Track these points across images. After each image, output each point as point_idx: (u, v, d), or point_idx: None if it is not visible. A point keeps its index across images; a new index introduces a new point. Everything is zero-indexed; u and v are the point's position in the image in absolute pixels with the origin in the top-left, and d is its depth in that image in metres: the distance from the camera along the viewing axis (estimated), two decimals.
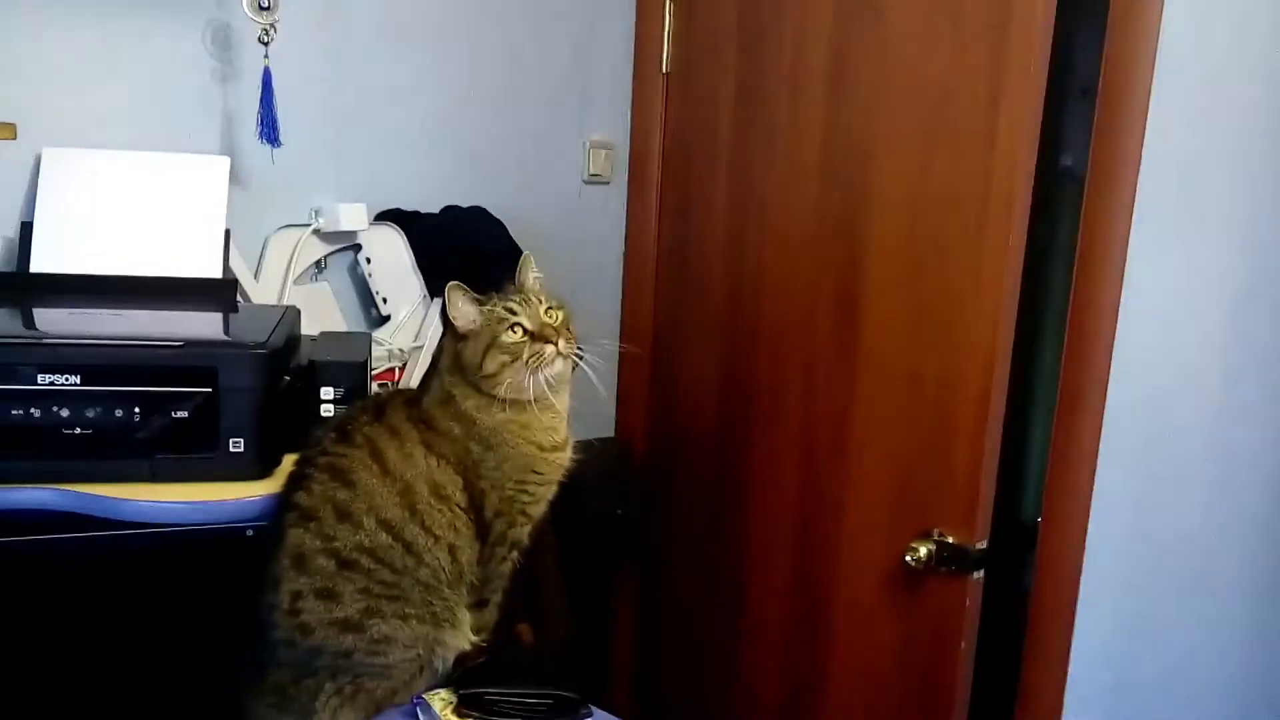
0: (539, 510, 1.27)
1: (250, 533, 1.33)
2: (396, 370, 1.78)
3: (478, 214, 1.92)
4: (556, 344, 1.22)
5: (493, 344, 1.22)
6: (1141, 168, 1.42)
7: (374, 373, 1.68)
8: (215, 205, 1.51)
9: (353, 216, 1.77)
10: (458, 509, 1.22)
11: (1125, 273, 1.44)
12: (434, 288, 1.84)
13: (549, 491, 1.27)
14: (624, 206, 2.19)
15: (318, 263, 1.80)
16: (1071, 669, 1.51)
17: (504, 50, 1.98)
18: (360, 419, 1.24)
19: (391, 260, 1.83)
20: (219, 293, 1.47)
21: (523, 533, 1.26)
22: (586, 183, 2.15)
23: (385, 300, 1.84)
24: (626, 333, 2.20)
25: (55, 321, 1.36)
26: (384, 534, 1.18)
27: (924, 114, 1.63)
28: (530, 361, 1.21)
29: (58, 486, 1.18)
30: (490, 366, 1.21)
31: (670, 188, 2.13)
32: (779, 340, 1.88)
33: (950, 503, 1.62)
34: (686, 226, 2.10)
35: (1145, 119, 1.40)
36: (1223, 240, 1.41)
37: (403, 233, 1.83)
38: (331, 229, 1.76)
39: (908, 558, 1.61)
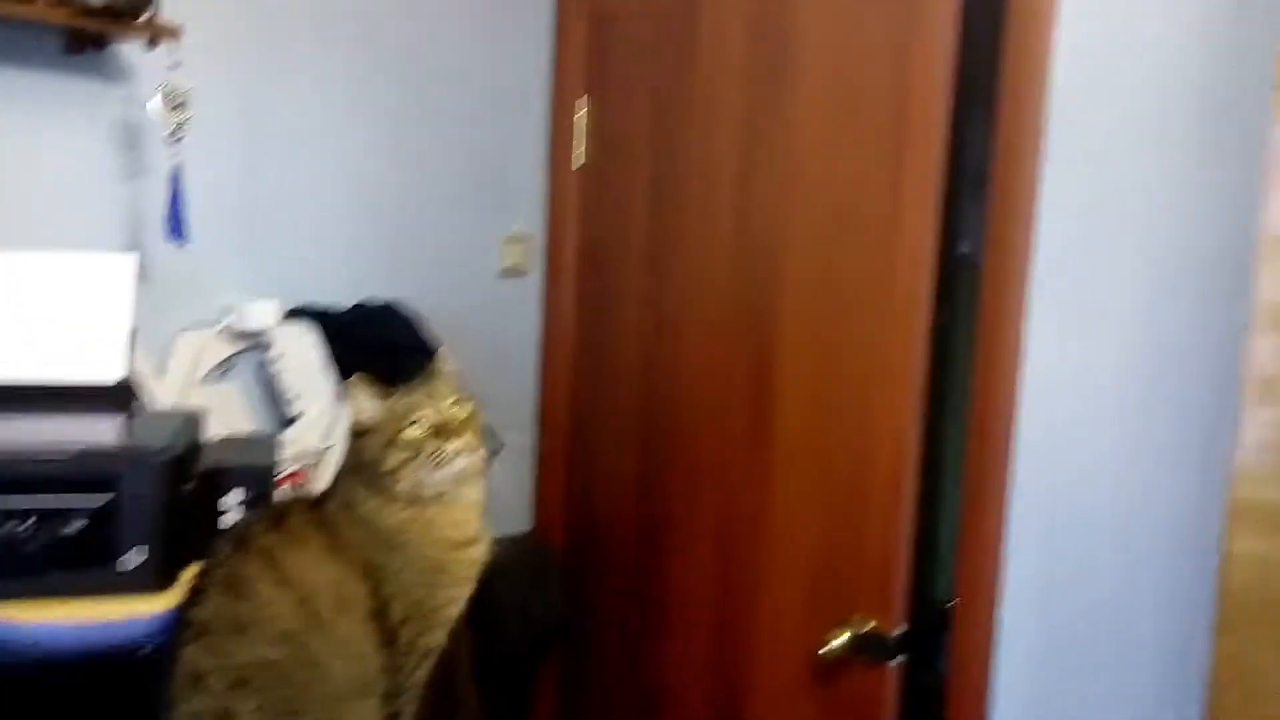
0: (452, 613, 1.23)
1: (145, 650, 1.28)
2: (305, 472, 1.74)
3: (392, 309, 1.91)
4: (460, 440, 1.21)
5: (393, 440, 1.20)
6: (1035, 256, 1.47)
7: (281, 475, 1.64)
8: (121, 305, 1.47)
9: (263, 314, 1.74)
10: (364, 617, 1.18)
11: (1022, 360, 1.48)
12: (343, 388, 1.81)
13: (462, 592, 1.24)
14: (541, 299, 2.20)
15: (226, 361, 1.77)
16: None
17: (419, 146, 2.00)
18: (259, 527, 1.20)
19: (302, 358, 1.81)
20: (118, 397, 1.43)
21: (435, 638, 1.22)
22: (502, 276, 2.16)
23: (294, 399, 1.80)
24: (544, 425, 2.20)
25: None
26: (283, 647, 1.14)
27: (830, 209, 1.68)
28: (432, 458, 1.19)
29: None
30: (390, 463, 1.19)
31: (587, 280, 2.15)
32: (695, 431, 1.89)
33: (867, 590, 1.63)
34: (603, 318, 2.11)
35: (1034, 207, 1.46)
36: (1120, 327, 1.46)
37: (315, 329, 1.81)
38: (241, 327, 1.73)
39: (825, 648, 1.61)
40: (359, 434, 1.22)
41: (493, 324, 2.14)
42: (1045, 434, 1.49)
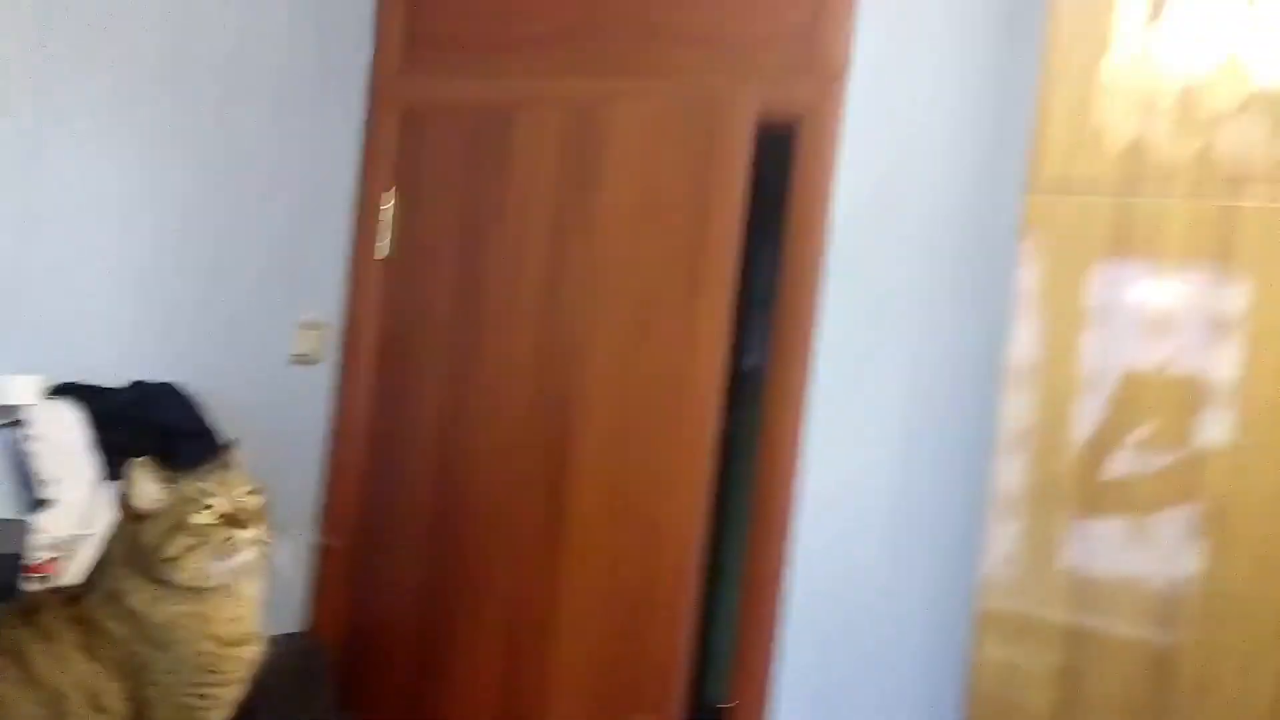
0: (218, 716, 1.16)
1: None
2: (56, 562, 1.60)
3: (169, 390, 1.81)
4: (252, 530, 1.16)
5: (179, 525, 1.13)
6: (813, 374, 1.58)
7: (29, 565, 1.51)
8: None
9: (21, 389, 1.62)
10: (119, 717, 1.09)
11: (801, 470, 1.58)
12: (115, 469, 1.70)
13: (231, 693, 1.16)
14: (332, 388, 2.15)
15: None
16: None
17: (215, 228, 1.94)
18: (7, 621, 1.10)
19: (62, 438, 1.68)
20: None
21: None
22: (293, 362, 2.09)
23: (50, 483, 1.67)
24: (329, 519, 2.12)
25: None
26: None
27: (631, 318, 1.76)
28: (222, 546, 1.13)
29: None
30: (172, 550, 1.12)
31: (384, 371, 2.12)
32: (488, 529, 1.88)
33: (649, 691, 1.66)
34: (400, 410, 2.08)
35: (813, 330, 1.58)
36: (887, 441, 1.57)
37: (80, 409, 1.70)
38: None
39: None
40: (137, 519, 1.15)
41: (279, 411, 2.06)
42: (821, 542, 1.58)
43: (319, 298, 2.12)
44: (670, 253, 1.74)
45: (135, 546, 1.14)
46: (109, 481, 1.69)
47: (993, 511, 1.27)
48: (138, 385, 1.80)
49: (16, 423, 1.65)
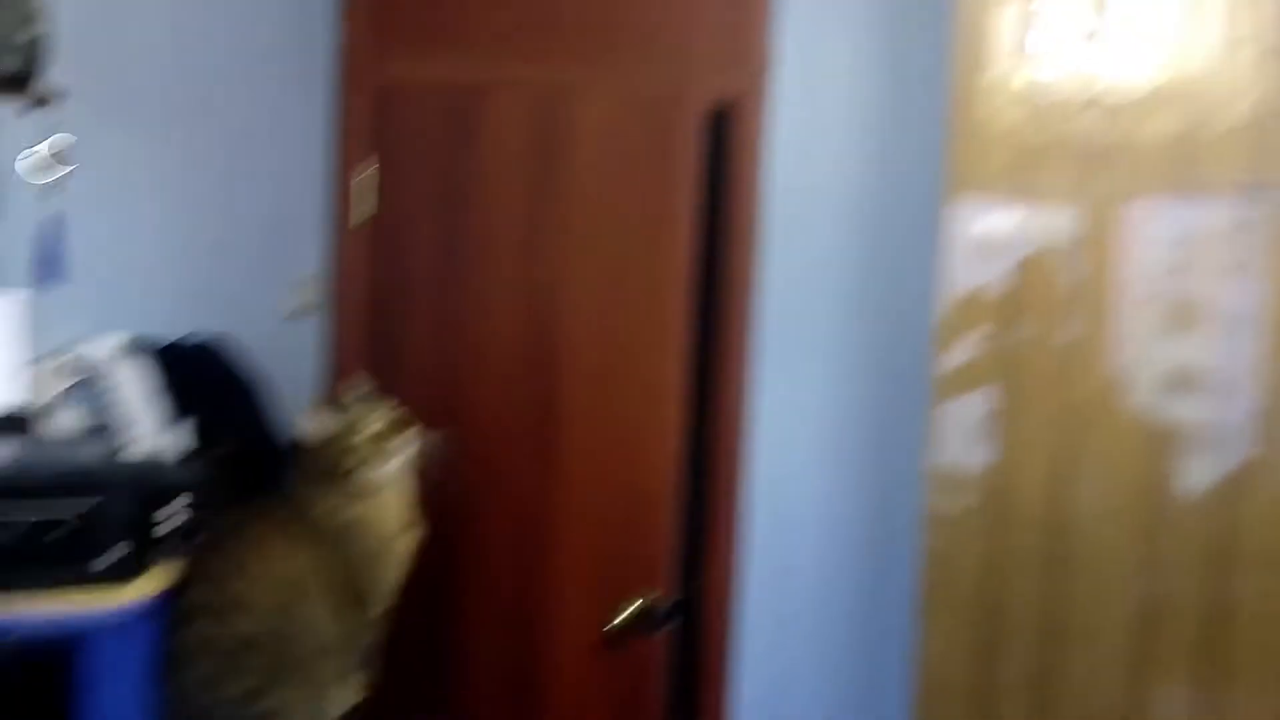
0: (389, 588, 1.52)
1: (54, 649, 1.45)
2: None
3: (216, 343, 2.08)
4: (400, 438, 1.51)
5: (347, 448, 1.48)
6: (757, 322, 2.04)
7: None
8: (14, 338, 1.57)
9: (104, 347, 1.86)
10: (324, 595, 1.44)
11: (749, 397, 2.05)
12: (175, 414, 1.96)
13: (399, 572, 1.53)
14: (323, 342, 2.43)
15: (67, 391, 1.86)
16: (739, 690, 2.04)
17: (220, 195, 2.19)
18: (229, 528, 1.43)
19: (133, 388, 1.93)
20: (21, 423, 1.54)
21: (379, 609, 1.50)
22: (289, 317, 2.37)
23: (126, 428, 1.92)
24: None
25: None
26: (268, 620, 1.37)
27: (604, 273, 2.14)
28: (383, 453, 1.49)
29: None
30: (349, 463, 1.47)
31: (371, 323, 2.41)
32: (488, 451, 2.22)
33: (644, 572, 2.08)
34: (388, 358, 2.38)
35: (755, 283, 2.03)
36: (815, 362, 2.05)
37: (145, 362, 1.95)
38: (85, 358, 1.84)
39: (613, 622, 2.04)
40: (316, 448, 1.48)
41: (280, 363, 2.33)
42: (767, 449, 2.05)
43: (310, 259, 2.39)
44: (636, 216, 2.13)
45: (318, 468, 1.48)
46: (172, 425, 1.96)
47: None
48: (189, 339, 2.05)
49: (95, 377, 1.89)
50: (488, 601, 2.22)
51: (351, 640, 1.47)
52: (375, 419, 1.52)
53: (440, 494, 2.24)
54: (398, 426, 1.54)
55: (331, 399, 1.57)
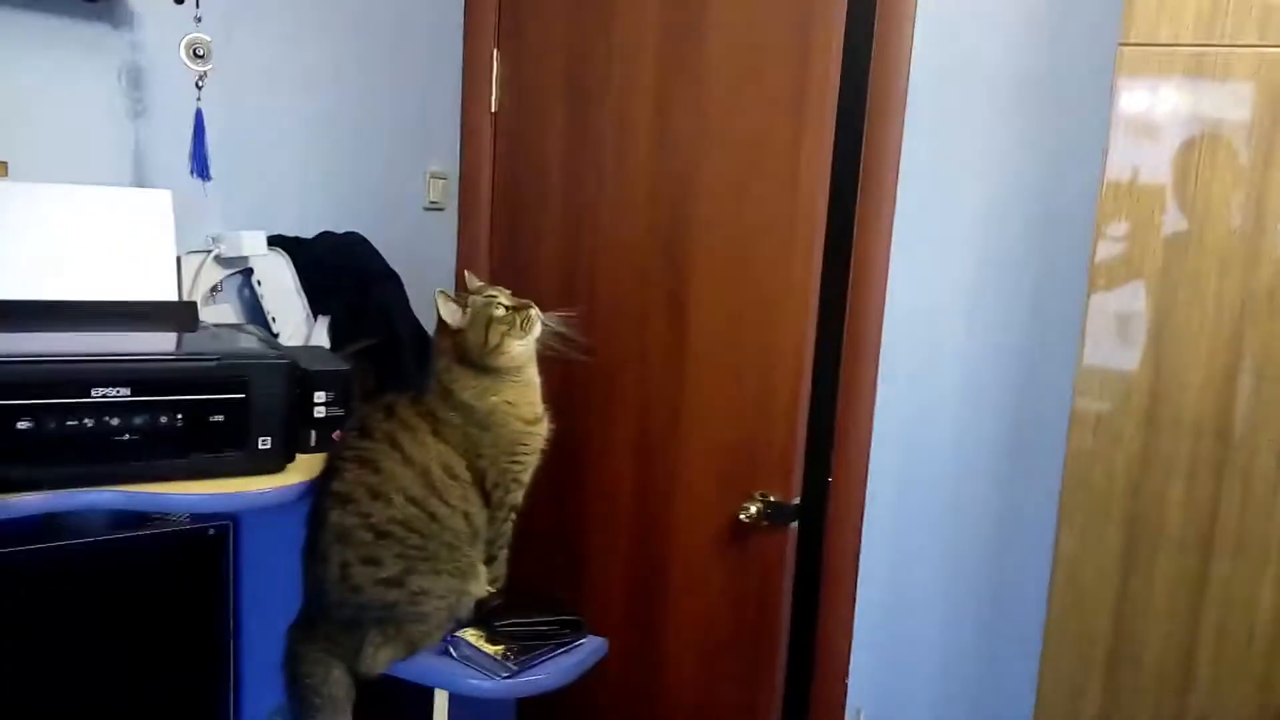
0: (527, 477, 1.57)
1: (211, 532, 1.54)
2: None
3: (355, 238, 2.13)
4: (532, 309, 1.54)
5: (490, 321, 1.51)
6: (897, 196, 1.95)
7: None
8: (164, 235, 1.64)
9: (252, 243, 1.93)
10: (466, 483, 1.49)
11: (888, 285, 1.97)
12: (316, 307, 2.03)
13: (534, 461, 1.57)
14: (457, 232, 2.47)
15: (214, 286, 1.94)
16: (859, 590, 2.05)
17: (358, 92, 2.21)
18: (376, 417, 1.48)
19: (280, 283, 2.01)
20: (182, 314, 1.62)
21: (517, 498, 1.55)
22: (426, 209, 2.41)
23: (274, 319, 2.00)
24: None
25: (66, 342, 1.46)
26: (411, 507, 1.43)
27: (738, 159, 2.08)
28: (523, 325, 1.51)
29: (111, 488, 1.32)
30: (494, 339, 1.50)
31: (502, 215, 2.44)
32: (614, 344, 2.24)
33: (771, 470, 2.08)
34: (518, 250, 2.41)
35: (896, 167, 1.94)
36: (960, 252, 1.96)
37: (288, 256, 2.01)
38: (232, 254, 1.91)
39: (740, 515, 2.05)
40: (454, 333, 1.51)
41: (419, 253, 2.39)
42: (903, 348, 1.99)
43: (444, 152, 2.42)
44: (772, 98, 2.04)
45: (460, 352, 1.51)
46: (316, 317, 2.03)
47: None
48: (326, 235, 2.11)
49: (249, 271, 1.97)
50: (614, 495, 2.27)
51: (488, 530, 1.52)
52: (507, 300, 1.54)
53: (570, 384, 2.32)
54: (528, 308, 1.56)
55: (461, 288, 1.59)
